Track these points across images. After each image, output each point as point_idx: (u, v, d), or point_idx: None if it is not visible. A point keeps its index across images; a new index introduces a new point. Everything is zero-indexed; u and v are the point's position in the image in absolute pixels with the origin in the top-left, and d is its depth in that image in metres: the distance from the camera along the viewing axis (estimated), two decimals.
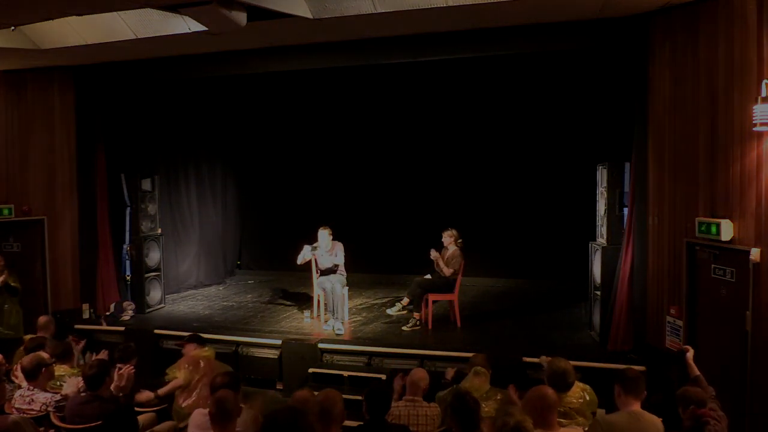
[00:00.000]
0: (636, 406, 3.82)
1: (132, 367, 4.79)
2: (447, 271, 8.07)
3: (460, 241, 8.27)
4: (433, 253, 8.13)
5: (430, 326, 8.02)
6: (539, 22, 6.87)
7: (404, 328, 7.99)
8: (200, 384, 5.39)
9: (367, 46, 7.60)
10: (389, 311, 8.50)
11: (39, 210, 8.77)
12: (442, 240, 8.32)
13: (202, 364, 5.54)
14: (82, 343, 6.81)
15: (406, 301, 8.22)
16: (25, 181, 8.74)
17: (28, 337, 6.33)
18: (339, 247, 8.30)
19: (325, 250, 8.23)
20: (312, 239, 8.33)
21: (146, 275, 9.24)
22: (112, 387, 4.61)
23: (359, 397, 4.14)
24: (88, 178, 9.01)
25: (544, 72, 9.46)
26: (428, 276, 8.29)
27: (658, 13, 6.34)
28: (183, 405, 5.34)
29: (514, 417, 3.18)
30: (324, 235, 8.22)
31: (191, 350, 5.76)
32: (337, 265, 8.32)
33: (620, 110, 7.25)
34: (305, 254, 8.21)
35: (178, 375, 5.50)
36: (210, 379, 5.06)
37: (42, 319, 6.79)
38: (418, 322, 8.02)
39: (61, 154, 8.91)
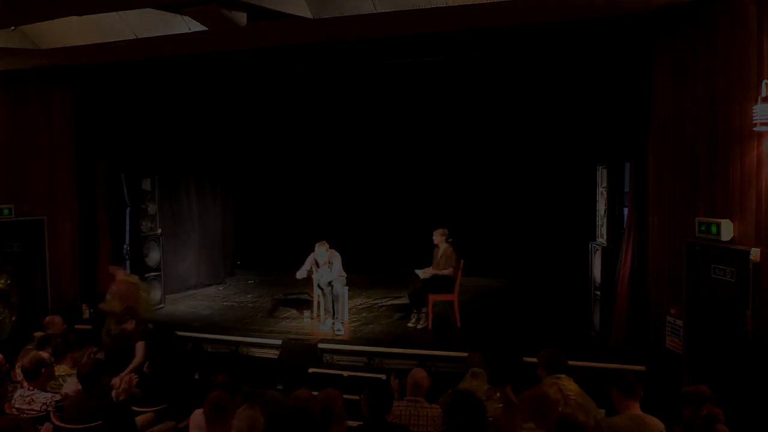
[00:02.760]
0: (636, 409, 3.82)
1: (136, 376, 4.90)
2: (447, 272, 8.11)
3: (450, 240, 8.34)
4: (425, 272, 8.13)
5: (430, 326, 8.02)
6: (539, 22, 6.86)
7: (409, 324, 8.16)
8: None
9: (367, 46, 7.60)
10: (410, 325, 8.29)
11: (39, 210, 8.76)
12: (433, 239, 8.39)
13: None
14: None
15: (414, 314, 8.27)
16: (25, 181, 8.74)
17: (38, 334, 6.33)
18: (336, 258, 8.26)
19: (322, 262, 8.21)
20: (312, 239, 8.35)
21: (146, 275, 9.23)
22: (112, 393, 4.64)
23: (359, 397, 4.14)
24: (88, 178, 9.01)
25: (545, 72, 9.45)
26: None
27: (659, 12, 6.32)
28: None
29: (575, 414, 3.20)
30: (322, 251, 8.19)
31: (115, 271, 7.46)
32: None
33: (620, 110, 7.24)
34: (302, 273, 8.24)
35: (113, 306, 6.88)
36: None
37: (49, 317, 6.83)
38: (417, 317, 8.16)
39: (61, 154, 8.91)
